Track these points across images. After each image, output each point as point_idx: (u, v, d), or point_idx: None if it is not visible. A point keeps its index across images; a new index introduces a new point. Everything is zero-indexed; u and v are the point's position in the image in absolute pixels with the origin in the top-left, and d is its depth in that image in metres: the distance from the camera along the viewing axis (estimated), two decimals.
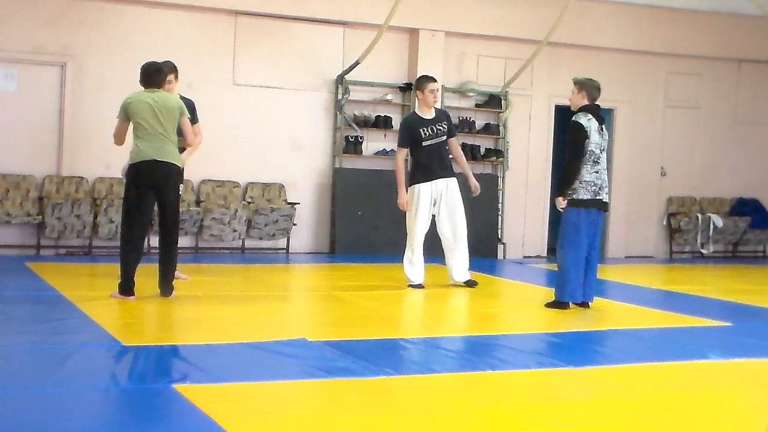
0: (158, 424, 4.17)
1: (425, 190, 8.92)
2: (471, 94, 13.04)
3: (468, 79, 12.96)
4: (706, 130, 14.52)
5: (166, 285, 7.55)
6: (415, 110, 9.25)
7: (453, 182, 9.01)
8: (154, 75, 7.56)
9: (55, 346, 5.64)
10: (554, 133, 13.56)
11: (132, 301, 7.33)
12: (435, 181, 8.92)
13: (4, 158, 10.82)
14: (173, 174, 7.51)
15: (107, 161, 11.00)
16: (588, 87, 8.13)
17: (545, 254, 13.48)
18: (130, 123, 7.53)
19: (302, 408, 4.66)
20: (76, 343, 5.78)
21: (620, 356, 6.21)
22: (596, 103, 8.12)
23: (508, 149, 13.11)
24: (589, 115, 7.95)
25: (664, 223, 14.22)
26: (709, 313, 8.10)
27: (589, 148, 7.87)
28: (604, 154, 8.05)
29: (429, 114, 8.96)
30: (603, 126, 8.08)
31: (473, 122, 12.99)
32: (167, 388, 4.70)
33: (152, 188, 7.42)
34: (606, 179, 8.03)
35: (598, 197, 7.93)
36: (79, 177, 11.07)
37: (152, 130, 7.39)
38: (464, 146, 12.92)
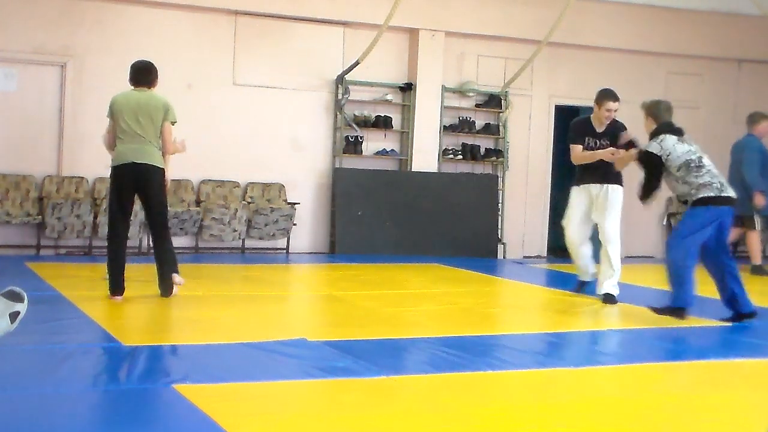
0: (158, 424, 4.17)
1: (576, 193, 8.91)
2: (471, 94, 13.04)
3: (468, 79, 12.96)
4: (706, 130, 14.49)
5: (164, 285, 7.54)
6: (590, 117, 9.04)
7: (606, 188, 8.85)
8: (144, 74, 7.54)
9: (55, 346, 5.63)
10: (554, 133, 13.56)
11: (121, 301, 7.29)
12: (587, 185, 8.84)
13: (4, 158, 10.82)
14: (154, 175, 7.43)
15: (107, 161, 10.86)
16: (654, 110, 8.02)
17: (545, 254, 13.48)
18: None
19: (302, 408, 4.66)
20: (76, 343, 5.78)
21: (620, 356, 6.21)
22: (668, 122, 7.91)
23: (508, 149, 13.11)
24: (661, 137, 7.79)
25: (664, 223, 14.21)
26: (709, 313, 8.09)
27: (684, 159, 7.64)
28: (705, 156, 7.79)
29: (600, 127, 8.89)
30: (684, 136, 7.87)
31: (473, 122, 12.98)
32: (167, 388, 4.70)
33: (134, 190, 7.43)
34: (721, 175, 7.75)
35: (723, 194, 7.55)
36: (79, 177, 11.07)
37: (130, 131, 7.36)
38: (464, 146, 12.95)
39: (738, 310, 7.63)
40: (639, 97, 13.82)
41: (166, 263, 7.58)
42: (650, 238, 14.20)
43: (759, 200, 11.55)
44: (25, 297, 3.46)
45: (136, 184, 7.40)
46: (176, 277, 7.75)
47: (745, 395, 5.30)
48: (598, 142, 8.86)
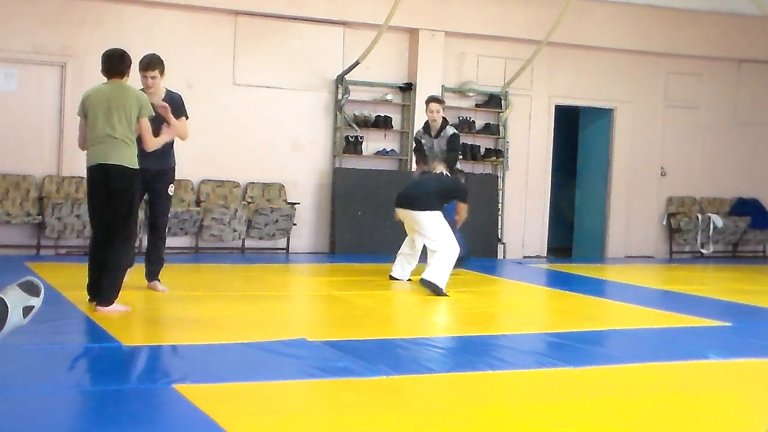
0: (158, 424, 4.17)
1: None
2: (471, 94, 13.04)
3: (468, 79, 12.96)
4: (706, 130, 14.52)
5: (97, 289, 6.89)
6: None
7: None
8: (115, 62, 7.00)
9: (55, 346, 5.63)
10: (554, 133, 13.57)
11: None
12: None
13: (4, 158, 10.82)
14: (122, 176, 6.82)
15: None
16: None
17: (545, 254, 13.48)
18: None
19: (302, 408, 4.66)
20: (76, 343, 5.78)
21: (620, 356, 6.20)
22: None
23: (508, 149, 13.11)
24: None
25: (664, 223, 14.22)
26: (709, 313, 8.10)
27: None
28: None
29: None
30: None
31: (473, 122, 12.98)
32: (167, 388, 4.70)
33: (107, 192, 6.86)
34: None
35: None
36: (79, 177, 11.06)
37: (100, 132, 6.81)
38: (464, 146, 12.94)
39: None
40: (639, 97, 13.98)
41: (111, 263, 6.86)
42: (650, 238, 14.20)
43: None
44: (42, 291, 3.31)
45: (107, 186, 6.86)
46: (158, 285, 7.38)
47: (745, 395, 5.30)
48: None
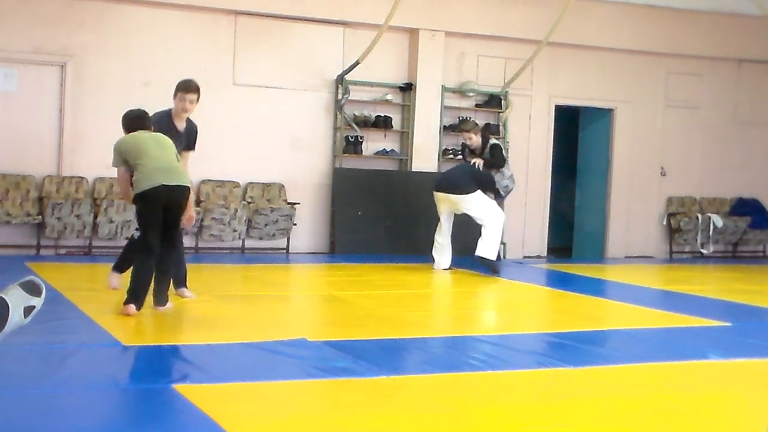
0: (158, 424, 4.17)
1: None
2: (471, 94, 13.04)
3: (468, 79, 12.96)
4: (706, 130, 14.52)
5: (160, 295, 7.07)
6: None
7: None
8: (137, 121, 7.17)
9: (55, 346, 5.63)
10: (554, 133, 13.57)
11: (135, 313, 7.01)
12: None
13: (4, 158, 10.82)
14: (186, 195, 7.09)
15: (107, 161, 10.87)
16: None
17: (545, 254, 13.48)
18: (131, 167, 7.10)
19: (302, 408, 4.66)
20: (76, 343, 5.78)
21: (620, 356, 6.21)
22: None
23: (508, 149, 13.10)
24: None
25: (664, 223, 14.22)
26: (709, 313, 8.10)
27: None
28: None
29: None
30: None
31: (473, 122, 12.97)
32: (167, 388, 4.70)
33: (166, 206, 6.97)
34: None
35: None
36: (79, 177, 11.07)
37: (160, 160, 6.95)
38: (464, 146, 12.93)
39: None
40: (639, 97, 13.98)
41: (168, 274, 7.13)
42: (650, 238, 14.20)
43: None
44: (44, 290, 3.32)
45: (168, 201, 6.95)
46: (185, 291, 7.58)
47: (745, 395, 5.30)
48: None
